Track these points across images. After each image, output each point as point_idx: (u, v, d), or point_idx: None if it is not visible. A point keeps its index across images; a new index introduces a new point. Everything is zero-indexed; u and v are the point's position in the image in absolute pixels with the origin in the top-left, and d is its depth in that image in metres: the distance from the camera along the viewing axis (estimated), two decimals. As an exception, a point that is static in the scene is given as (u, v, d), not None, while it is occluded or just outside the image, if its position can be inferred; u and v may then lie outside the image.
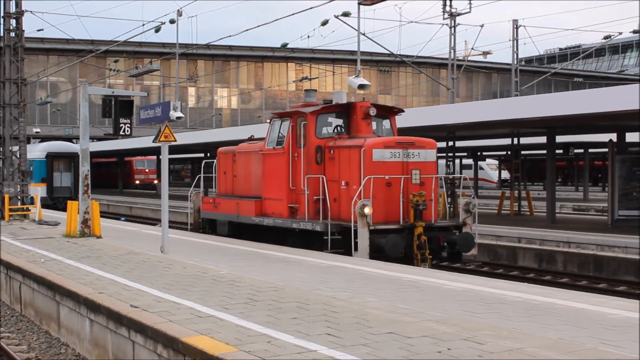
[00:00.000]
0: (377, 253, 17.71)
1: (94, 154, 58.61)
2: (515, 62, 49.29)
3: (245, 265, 15.78)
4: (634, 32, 51.95)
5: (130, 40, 44.25)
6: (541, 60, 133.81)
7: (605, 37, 49.37)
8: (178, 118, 17.90)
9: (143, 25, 68.13)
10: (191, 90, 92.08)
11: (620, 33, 47.69)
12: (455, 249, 19.18)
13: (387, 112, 21.42)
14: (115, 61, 59.63)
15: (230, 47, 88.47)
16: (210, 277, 13.58)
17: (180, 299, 11.17)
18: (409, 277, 13.87)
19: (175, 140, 18.24)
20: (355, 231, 17.90)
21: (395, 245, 17.79)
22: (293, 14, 32.65)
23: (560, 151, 47.94)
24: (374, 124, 20.73)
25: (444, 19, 45.52)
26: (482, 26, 47.99)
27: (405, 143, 19.20)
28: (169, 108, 18.11)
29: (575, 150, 53.91)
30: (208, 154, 61.22)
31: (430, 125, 29.48)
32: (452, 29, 45.49)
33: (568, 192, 63.94)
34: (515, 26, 47.99)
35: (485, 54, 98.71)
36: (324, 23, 39.47)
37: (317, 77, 71.80)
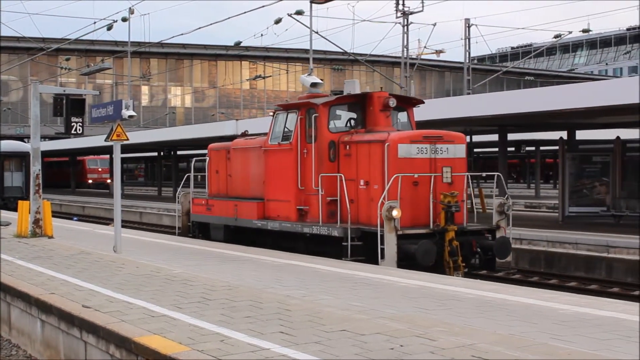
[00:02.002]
0: (406, 261, 15.95)
1: (45, 154, 58.02)
2: (468, 61, 49.69)
3: (199, 264, 15.73)
4: (584, 31, 52.64)
5: (82, 38, 43.89)
6: (493, 59, 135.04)
7: (556, 36, 49.97)
8: (130, 117, 17.77)
9: (95, 23, 67.33)
10: (144, 89, 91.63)
11: (570, 32, 48.33)
12: (489, 255, 17.45)
13: (405, 103, 19.57)
14: (67, 59, 59.14)
15: (183, 46, 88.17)
16: (163, 276, 13.50)
17: (133, 298, 11.10)
18: (363, 275, 13.93)
19: (128, 139, 18.12)
20: (381, 236, 16.21)
21: (427, 252, 15.96)
22: (246, 12, 32.69)
23: (512, 149, 48.42)
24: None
25: (396, 17, 45.72)
26: (434, 25, 48.20)
27: (433, 137, 17.34)
28: (121, 106, 17.98)
29: (527, 148, 54.49)
30: (163, 153, 61.03)
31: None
32: (405, 27, 45.72)
33: (520, 189, 64.57)
34: (467, 25, 48.36)
35: (438, 52, 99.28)
36: (278, 21, 39.51)
37: (271, 76, 71.86)
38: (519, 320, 9.56)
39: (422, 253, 15.89)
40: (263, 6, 27.19)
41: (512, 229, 18.32)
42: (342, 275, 14.00)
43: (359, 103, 18.93)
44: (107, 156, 72.88)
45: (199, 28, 57.68)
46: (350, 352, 7.70)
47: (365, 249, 16.90)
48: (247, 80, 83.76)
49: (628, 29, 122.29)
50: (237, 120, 47.53)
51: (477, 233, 17.69)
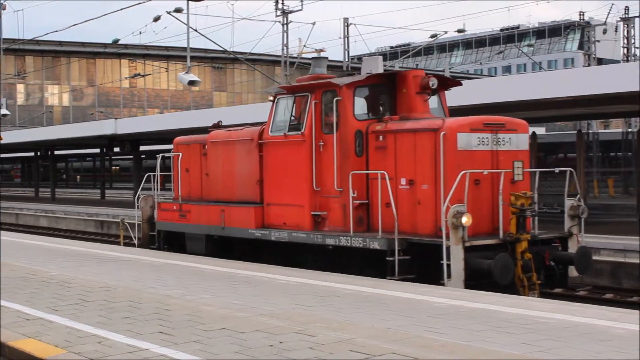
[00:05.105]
0: (476, 280, 12.86)
1: None
2: (347, 60, 50.17)
3: (77, 266, 15.43)
4: (459, 31, 53.92)
5: (-48, 35, 42.35)
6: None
7: (432, 36, 50.97)
8: (4, 115, 17.34)
9: (-35, 19, 65.28)
10: (20, 87, 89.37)
11: (446, 32, 49.35)
12: (560, 269, 14.44)
13: (439, 85, 15.75)
14: (-64, 57, 57.04)
15: (60, 43, 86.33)
16: (39, 278, 13.25)
17: (7, 302, 10.84)
18: (244, 273, 13.94)
19: (2, 139, 17.67)
20: (438, 248, 13.20)
21: (506, 269, 12.83)
22: (122, 9, 32.26)
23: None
24: None
25: (276, 16, 45.86)
26: (314, 24, 48.56)
27: (495, 125, 14.13)
28: (-7, 106, 17.51)
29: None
30: (49, 152, 59.66)
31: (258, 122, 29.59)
32: (285, 26, 45.90)
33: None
34: (345, 24, 48.79)
35: (318, 51, 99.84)
36: (156, 19, 39.11)
37: (150, 74, 71.01)
38: (396, 314, 9.75)
39: (500, 269, 12.77)
40: (139, 3, 26.75)
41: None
42: (223, 273, 13.98)
43: (386, 85, 15.75)
44: (-19, 157, 70.74)
45: (74, 25, 56.57)
46: (230, 350, 7.74)
47: (413, 264, 13.87)
48: (127, 78, 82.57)
49: (502, 30, 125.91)
50: (116, 119, 46.85)
51: (547, 242, 14.65)
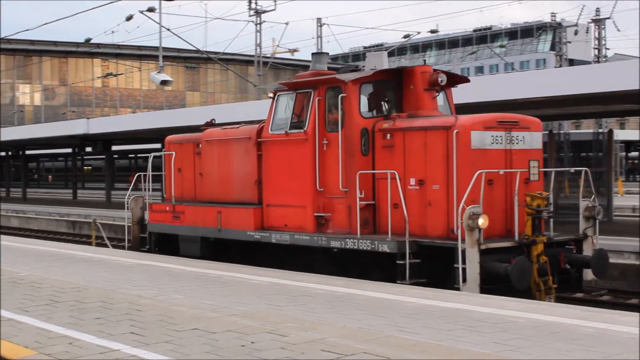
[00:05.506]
0: (492, 284, 12.40)
1: None
2: (321, 60, 50.18)
3: (48, 266, 15.33)
4: (432, 32, 54.12)
5: None
6: (347, 58, 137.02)
7: (405, 37, 51.08)
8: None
9: None
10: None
11: (419, 32, 49.46)
12: (574, 272, 14.02)
13: (446, 82, 15.29)
14: None
15: (32, 42, 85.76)
16: (9, 279, 13.13)
17: (-23, 303, 10.77)
18: (215, 273, 13.91)
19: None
20: (453, 251, 12.69)
21: (524, 273, 12.40)
22: (94, 8, 32.10)
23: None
24: None
25: (249, 16, 45.87)
26: (287, 24, 48.62)
27: (509, 123, 13.77)
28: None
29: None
30: (20, 152, 59.30)
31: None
32: (258, 26, 45.88)
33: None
34: (319, 24, 48.87)
35: (292, 51, 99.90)
36: (129, 18, 38.95)
37: (123, 73, 70.68)
38: (368, 314, 9.76)
39: (518, 273, 12.31)
40: (112, 2, 26.58)
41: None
42: (195, 274, 13.94)
43: (393, 81, 15.23)
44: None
45: (46, 24, 56.48)
46: (201, 350, 7.72)
47: (424, 268, 13.30)
48: (99, 78, 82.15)
49: (474, 30, 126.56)
50: (88, 118, 46.62)
51: (560, 244, 14.20)
